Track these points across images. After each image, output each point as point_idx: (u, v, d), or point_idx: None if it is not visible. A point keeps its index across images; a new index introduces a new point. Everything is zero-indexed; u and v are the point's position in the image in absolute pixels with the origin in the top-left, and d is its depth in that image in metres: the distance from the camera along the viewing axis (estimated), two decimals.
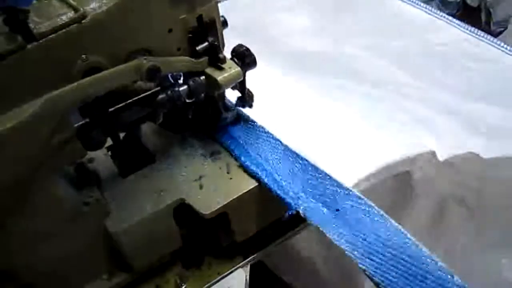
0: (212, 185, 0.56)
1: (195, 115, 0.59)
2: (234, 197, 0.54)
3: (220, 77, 0.53)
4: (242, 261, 0.60)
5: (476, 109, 0.79)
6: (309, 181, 0.55)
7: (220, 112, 0.60)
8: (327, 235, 0.48)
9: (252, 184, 0.56)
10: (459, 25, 0.95)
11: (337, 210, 0.51)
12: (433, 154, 0.69)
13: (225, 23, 0.56)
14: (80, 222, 0.51)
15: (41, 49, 0.42)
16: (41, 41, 0.42)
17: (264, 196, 0.56)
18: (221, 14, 0.55)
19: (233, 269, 0.59)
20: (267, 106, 0.67)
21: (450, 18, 0.97)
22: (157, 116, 0.54)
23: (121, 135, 0.57)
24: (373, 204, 0.49)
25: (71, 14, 0.43)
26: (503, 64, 0.87)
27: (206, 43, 0.53)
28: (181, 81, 0.56)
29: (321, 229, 0.48)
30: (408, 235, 0.45)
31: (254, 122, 0.62)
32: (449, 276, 0.41)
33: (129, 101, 0.52)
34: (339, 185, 0.53)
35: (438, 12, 0.99)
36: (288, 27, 1.04)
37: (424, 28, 0.97)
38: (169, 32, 0.51)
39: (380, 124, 0.74)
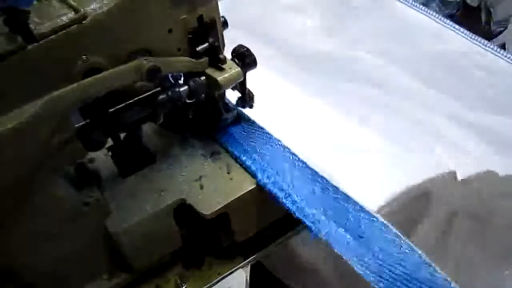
0: (212, 185, 0.56)
1: (196, 115, 0.59)
2: (235, 197, 0.54)
3: (220, 77, 0.53)
4: (243, 262, 0.60)
5: (494, 123, 0.78)
6: (330, 203, 0.52)
7: (221, 113, 0.60)
8: (349, 262, 0.46)
9: (253, 184, 0.56)
10: (466, 34, 0.94)
11: (361, 237, 0.48)
12: (453, 174, 0.67)
13: (225, 24, 0.56)
14: (80, 222, 0.51)
15: (41, 49, 0.42)
16: (41, 41, 0.42)
17: (264, 196, 0.56)
18: (222, 12, 0.55)
19: (233, 269, 0.59)
20: (272, 111, 0.66)
21: (460, 28, 0.95)
22: (157, 117, 0.54)
23: (122, 135, 0.57)
24: (399, 233, 0.47)
25: (71, 14, 0.43)
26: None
27: (206, 44, 0.53)
28: (181, 82, 0.56)
29: (343, 257, 0.46)
30: (438, 269, 0.44)
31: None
32: None
33: (129, 101, 0.52)
34: (363, 210, 0.50)
35: (447, 21, 0.98)
36: (293, 27, 1.02)
37: (433, 36, 0.96)
38: (169, 33, 0.51)
39: (398, 139, 0.71)
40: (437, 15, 0.99)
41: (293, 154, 0.58)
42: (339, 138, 0.71)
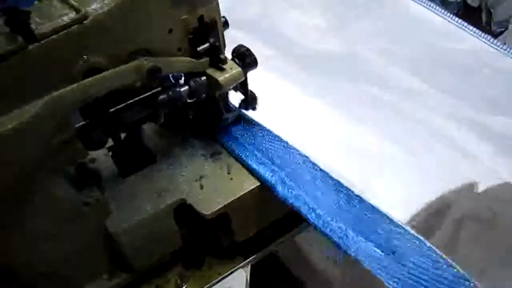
0: (212, 185, 0.56)
1: (196, 115, 0.59)
2: (235, 197, 0.54)
3: (221, 77, 0.54)
4: (243, 262, 0.60)
5: (508, 126, 0.76)
6: (357, 216, 0.49)
7: (221, 113, 0.60)
8: (381, 279, 0.43)
9: (253, 184, 0.56)
10: (476, 33, 0.91)
11: (393, 251, 0.45)
12: (473, 186, 0.65)
13: (226, 24, 0.56)
14: (81, 222, 0.51)
15: (42, 49, 0.42)
16: (42, 41, 0.42)
17: (265, 197, 0.56)
18: (223, 12, 0.55)
19: (233, 269, 0.59)
20: (273, 111, 0.65)
21: (469, 26, 0.93)
22: (158, 117, 0.54)
23: (122, 135, 0.57)
24: (433, 247, 0.45)
25: (72, 14, 0.44)
26: None
27: (207, 44, 0.53)
28: (182, 82, 0.56)
29: (374, 273, 0.44)
30: (478, 285, 0.42)
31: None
32: None
33: (130, 101, 0.52)
34: (393, 222, 0.47)
35: (456, 18, 0.95)
36: (298, 25, 1.00)
37: (441, 34, 0.93)
38: (169, 33, 0.51)
39: (414, 149, 0.69)
40: (441, 10, 0.96)
41: (311, 161, 0.55)
42: (350, 142, 0.70)
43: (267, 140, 0.60)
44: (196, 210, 0.54)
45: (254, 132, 0.61)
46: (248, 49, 0.56)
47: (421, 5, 0.98)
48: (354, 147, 0.69)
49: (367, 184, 0.57)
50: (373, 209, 0.49)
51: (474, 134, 0.75)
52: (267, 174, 0.55)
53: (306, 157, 0.56)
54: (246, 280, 0.58)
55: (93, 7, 0.45)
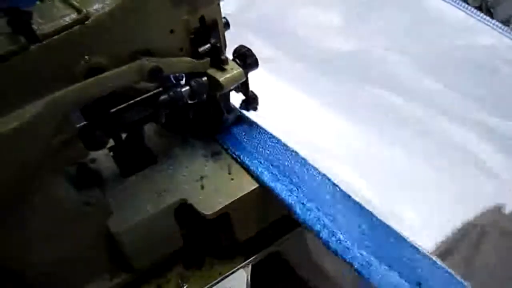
0: (213, 185, 0.56)
1: (197, 115, 0.59)
2: (236, 197, 0.54)
3: (222, 78, 0.54)
4: (243, 262, 0.60)
5: None
6: (380, 242, 0.46)
7: (222, 113, 0.60)
8: None
9: (254, 185, 0.56)
10: (501, 28, 0.83)
11: (419, 283, 0.43)
12: (502, 207, 0.60)
13: (227, 25, 0.56)
14: (82, 222, 0.51)
15: (44, 50, 0.42)
16: (44, 42, 0.42)
17: (265, 197, 0.56)
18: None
19: (234, 269, 0.59)
20: (281, 115, 0.63)
21: (492, 20, 0.85)
22: (159, 117, 0.54)
23: (123, 135, 0.57)
24: (462, 281, 0.42)
25: (74, 15, 0.44)
26: None
27: (208, 45, 0.53)
28: (183, 82, 0.56)
29: None
30: None
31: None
32: None
33: (131, 101, 0.52)
34: (419, 251, 0.44)
35: (478, 12, 0.86)
36: (311, 24, 0.94)
37: (461, 29, 0.85)
38: (171, 33, 0.51)
39: (438, 167, 0.63)
40: (462, 4, 0.88)
41: (329, 179, 0.52)
42: (367, 156, 0.64)
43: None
44: (197, 210, 0.54)
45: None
46: (249, 49, 0.57)
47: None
48: (372, 163, 0.63)
49: (390, 205, 0.53)
50: (397, 235, 0.46)
51: (504, 155, 0.66)
52: (284, 193, 0.52)
53: (324, 175, 0.53)
54: (247, 280, 0.58)
55: (94, 7, 0.45)
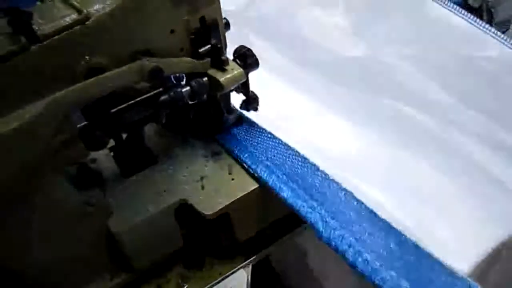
0: (213, 185, 0.56)
1: (197, 116, 0.59)
2: (236, 198, 0.54)
3: (222, 78, 0.54)
4: (244, 262, 0.60)
5: None
6: (411, 263, 0.43)
7: (222, 113, 0.60)
8: None
9: (254, 185, 0.56)
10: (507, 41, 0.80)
11: None
12: None
13: (227, 25, 0.56)
14: (82, 222, 0.51)
15: (44, 50, 0.42)
16: (44, 42, 0.42)
17: (266, 197, 0.56)
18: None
19: (234, 269, 0.59)
20: (283, 120, 0.62)
21: (498, 33, 0.83)
22: (160, 117, 0.54)
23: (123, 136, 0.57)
24: None
25: (74, 15, 0.44)
26: None
27: (208, 45, 0.53)
28: (183, 82, 0.56)
29: None
30: None
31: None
32: None
33: (131, 101, 0.52)
34: (453, 275, 0.42)
35: (485, 24, 0.85)
36: (317, 25, 0.91)
37: (468, 41, 0.82)
38: (171, 33, 0.51)
39: (464, 186, 0.59)
40: (469, 14, 0.86)
41: (352, 195, 0.49)
42: (387, 170, 0.61)
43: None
44: (197, 210, 0.54)
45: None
46: (249, 50, 0.57)
47: (452, 12, 0.88)
48: (395, 179, 0.59)
49: (418, 224, 0.50)
50: (429, 255, 0.43)
51: None
52: (303, 209, 0.49)
53: (346, 190, 0.51)
54: (247, 280, 0.59)
55: (95, 8, 0.45)
